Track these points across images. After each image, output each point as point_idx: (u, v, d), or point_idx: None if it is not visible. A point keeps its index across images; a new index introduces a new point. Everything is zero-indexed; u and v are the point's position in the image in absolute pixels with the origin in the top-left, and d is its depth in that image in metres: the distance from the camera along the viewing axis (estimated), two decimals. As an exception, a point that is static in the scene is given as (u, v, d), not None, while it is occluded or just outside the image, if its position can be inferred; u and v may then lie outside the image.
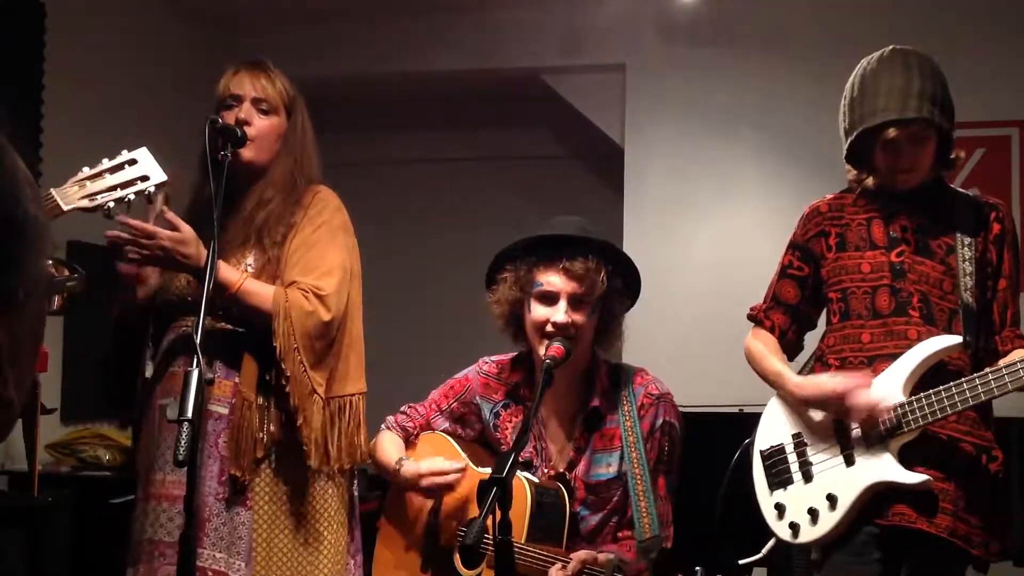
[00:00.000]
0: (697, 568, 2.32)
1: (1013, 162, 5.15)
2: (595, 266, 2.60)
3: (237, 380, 2.51)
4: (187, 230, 2.44)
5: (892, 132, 2.51)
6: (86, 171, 2.39)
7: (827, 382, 2.56)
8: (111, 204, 2.37)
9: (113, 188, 2.38)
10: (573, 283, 2.59)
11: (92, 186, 2.37)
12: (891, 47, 2.61)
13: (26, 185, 0.88)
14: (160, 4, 5.64)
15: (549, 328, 2.59)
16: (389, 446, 2.84)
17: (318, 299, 2.50)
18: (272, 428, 2.50)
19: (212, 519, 2.46)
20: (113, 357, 2.67)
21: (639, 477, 2.59)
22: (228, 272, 2.48)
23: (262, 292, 2.49)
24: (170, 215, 2.46)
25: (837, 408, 2.55)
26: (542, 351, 2.59)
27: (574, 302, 2.60)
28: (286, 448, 2.52)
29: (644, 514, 2.56)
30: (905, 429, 2.47)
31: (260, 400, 2.50)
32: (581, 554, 2.49)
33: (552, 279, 2.60)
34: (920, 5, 5.20)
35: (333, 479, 2.58)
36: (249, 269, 2.54)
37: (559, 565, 2.48)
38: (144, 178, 2.41)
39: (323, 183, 2.70)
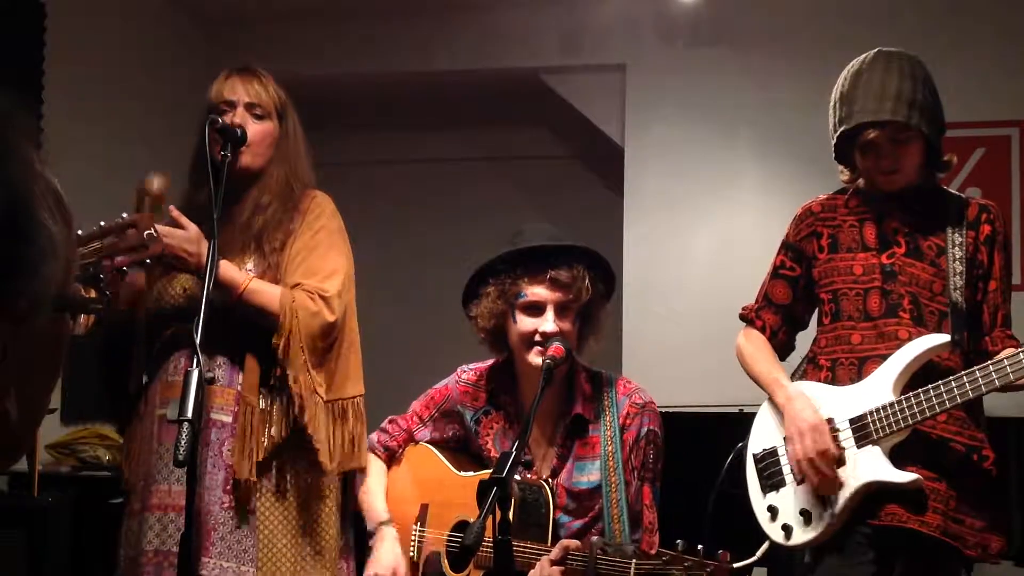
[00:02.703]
0: (678, 541, 2.33)
1: (1013, 162, 5.14)
2: (580, 274, 2.62)
3: (240, 388, 2.52)
4: (193, 228, 2.44)
5: (871, 134, 2.52)
6: (79, 234, 2.19)
7: (802, 425, 2.54)
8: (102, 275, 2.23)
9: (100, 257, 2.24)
10: (559, 292, 2.61)
11: (82, 251, 2.21)
12: (876, 49, 2.62)
13: (47, 198, 0.85)
14: (160, 3, 5.64)
15: (537, 338, 2.60)
16: (372, 486, 2.80)
17: (323, 300, 2.53)
18: (275, 431, 2.51)
19: (218, 528, 2.47)
20: (103, 367, 2.66)
21: (614, 488, 2.60)
22: (233, 272, 2.49)
23: (269, 292, 2.51)
24: (175, 212, 2.45)
25: (791, 442, 2.56)
26: (530, 359, 2.60)
27: (560, 310, 2.62)
28: (288, 452, 2.53)
29: (615, 523, 2.57)
30: (886, 432, 2.47)
31: (263, 404, 2.51)
32: (564, 542, 2.50)
33: (537, 290, 2.61)
34: (920, 5, 5.20)
35: (331, 482, 2.59)
36: (250, 274, 2.54)
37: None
38: (142, 247, 2.28)
39: (317, 187, 2.71)
